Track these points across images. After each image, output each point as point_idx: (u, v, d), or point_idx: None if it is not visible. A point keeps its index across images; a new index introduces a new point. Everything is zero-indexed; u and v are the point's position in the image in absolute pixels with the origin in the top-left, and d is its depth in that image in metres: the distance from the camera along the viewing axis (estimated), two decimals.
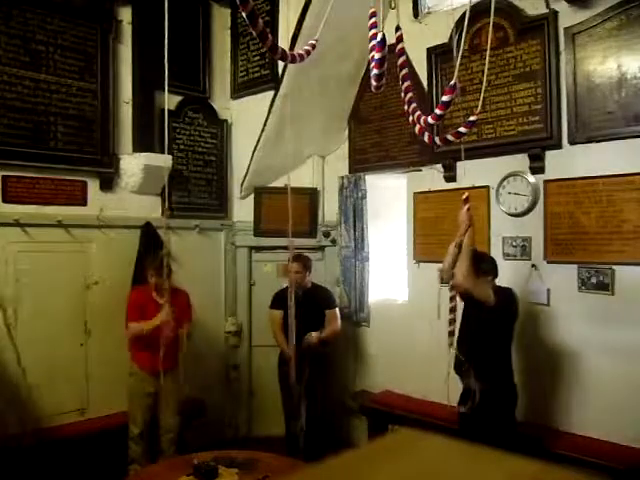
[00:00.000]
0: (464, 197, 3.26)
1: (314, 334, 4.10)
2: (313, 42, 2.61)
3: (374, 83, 2.35)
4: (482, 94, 2.73)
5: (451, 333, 3.39)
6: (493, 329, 3.23)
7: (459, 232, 3.29)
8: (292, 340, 3.60)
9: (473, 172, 4.08)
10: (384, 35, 2.24)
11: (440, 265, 3.57)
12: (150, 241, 4.31)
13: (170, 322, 3.66)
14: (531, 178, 3.77)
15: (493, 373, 3.23)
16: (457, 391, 3.38)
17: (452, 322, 3.41)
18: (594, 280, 3.49)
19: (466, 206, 3.23)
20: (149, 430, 3.93)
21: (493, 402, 3.20)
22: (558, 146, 3.64)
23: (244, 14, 1.95)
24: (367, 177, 4.76)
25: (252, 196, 5.12)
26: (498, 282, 3.39)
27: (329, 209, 5.07)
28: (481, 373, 3.23)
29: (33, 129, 3.92)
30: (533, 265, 3.75)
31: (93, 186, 4.28)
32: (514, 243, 3.86)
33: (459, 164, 4.12)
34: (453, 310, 3.44)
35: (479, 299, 3.18)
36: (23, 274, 3.89)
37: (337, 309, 4.41)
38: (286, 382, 4.18)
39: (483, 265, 3.30)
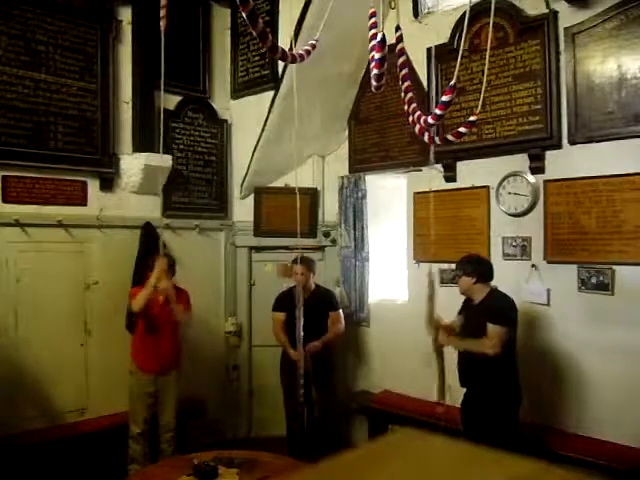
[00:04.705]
0: None
1: (313, 344, 4.09)
2: (313, 42, 2.61)
3: (374, 83, 2.35)
4: (482, 94, 2.72)
5: None
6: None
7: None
8: (299, 342, 3.65)
9: (473, 172, 4.08)
10: (384, 35, 2.24)
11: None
12: (150, 241, 4.31)
13: (168, 283, 3.73)
14: (531, 178, 3.77)
15: (498, 376, 3.20)
16: (456, 391, 3.38)
17: None
18: (594, 280, 3.48)
19: None
20: (149, 430, 3.93)
21: (497, 403, 3.19)
22: (558, 146, 3.64)
23: (244, 14, 1.95)
24: (367, 177, 4.75)
25: (252, 196, 5.12)
26: (497, 283, 3.39)
27: (329, 209, 5.07)
28: (486, 379, 3.22)
29: (33, 129, 3.92)
30: (533, 265, 3.75)
31: (93, 186, 4.28)
32: (514, 243, 3.86)
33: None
34: None
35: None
36: (23, 274, 3.89)
37: (340, 311, 4.43)
38: (289, 382, 4.18)
39: (485, 271, 3.33)
